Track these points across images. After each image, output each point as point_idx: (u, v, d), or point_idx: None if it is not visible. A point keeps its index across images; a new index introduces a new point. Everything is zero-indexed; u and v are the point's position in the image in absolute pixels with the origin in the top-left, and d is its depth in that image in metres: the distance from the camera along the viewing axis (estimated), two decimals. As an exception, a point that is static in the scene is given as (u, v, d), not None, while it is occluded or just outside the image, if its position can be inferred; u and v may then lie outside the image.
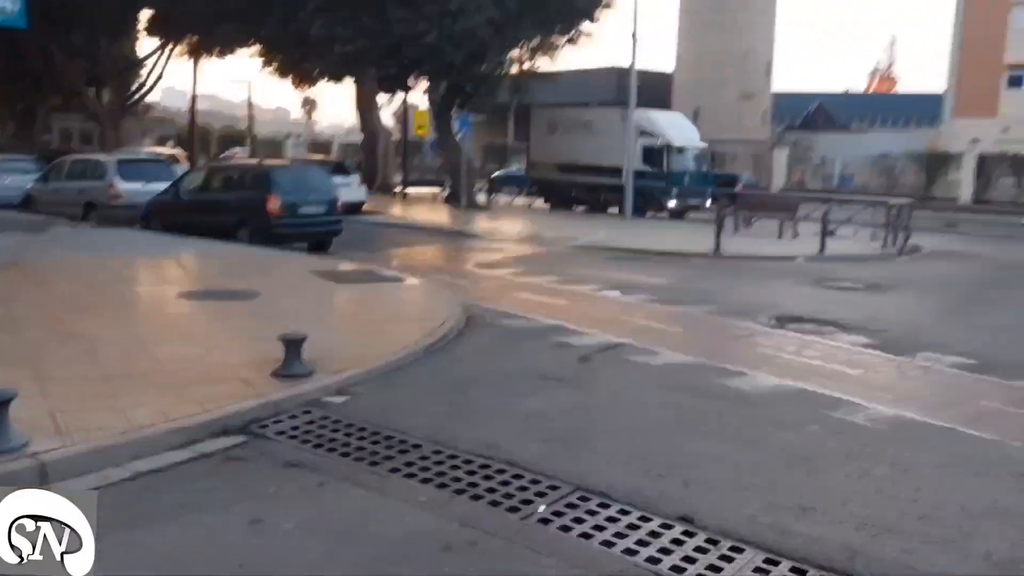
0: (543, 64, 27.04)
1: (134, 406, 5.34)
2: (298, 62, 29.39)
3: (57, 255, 11.53)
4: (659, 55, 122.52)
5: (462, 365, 7.39)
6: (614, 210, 25.46)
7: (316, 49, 25.71)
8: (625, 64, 59.67)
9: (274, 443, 5.21)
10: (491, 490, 4.53)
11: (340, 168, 23.00)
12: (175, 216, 15.82)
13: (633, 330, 9.19)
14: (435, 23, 22.24)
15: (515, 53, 25.82)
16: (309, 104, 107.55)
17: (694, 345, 8.49)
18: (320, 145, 69.74)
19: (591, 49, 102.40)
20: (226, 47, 33.83)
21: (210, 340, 7.18)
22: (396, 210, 24.78)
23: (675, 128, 26.65)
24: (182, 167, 21.54)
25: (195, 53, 37.12)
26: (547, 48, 26.14)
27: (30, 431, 4.67)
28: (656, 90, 45.49)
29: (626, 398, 6.51)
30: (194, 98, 43.72)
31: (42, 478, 4.37)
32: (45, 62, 35.01)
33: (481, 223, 21.71)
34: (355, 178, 22.90)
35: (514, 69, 26.30)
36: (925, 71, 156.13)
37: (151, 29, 34.96)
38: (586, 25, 26.72)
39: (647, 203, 24.86)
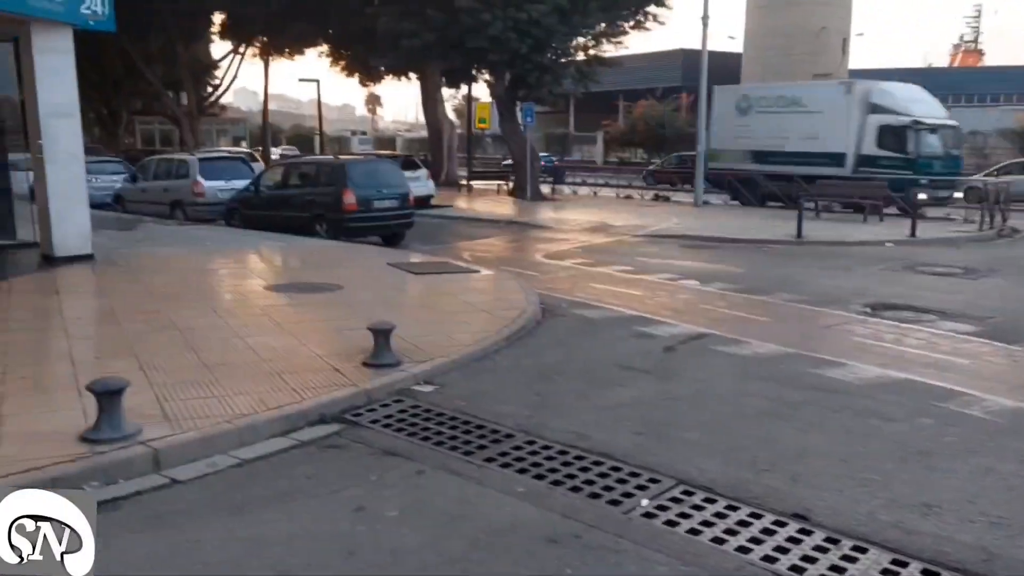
0: (608, 50, 26.73)
1: (234, 394, 5.49)
2: (364, 58, 29.78)
3: (148, 251, 11.97)
4: (724, 34, 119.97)
5: (544, 355, 7.36)
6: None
7: (382, 44, 26.01)
8: (690, 45, 58.82)
9: (369, 431, 5.29)
10: (589, 482, 4.50)
11: (409, 163, 23.21)
12: (255, 212, 16.26)
13: (716, 319, 9.03)
14: (500, 13, 22.22)
15: (580, 40, 25.59)
16: (373, 101, 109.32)
17: (784, 334, 8.27)
18: (384, 141, 70.86)
19: (655, 32, 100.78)
20: (295, 46, 34.62)
21: (300, 330, 7.33)
22: (462, 203, 24.92)
23: (919, 103, 22.42)
24: (259, 165, 22.07)
25: (266, 54, 38.13)
26: (614, 34, 25.84)
27: (141, 419, 4.85)
28: (723, 71, 44.31)
29: (717, 389, 6.39)
30: (266, 98, 45.03)
31: (155, 465, 4.53)
32: (126, 67, 36.44)
33: (547, 214, 21.66)
34: (423, 172, 23.09)
35: (579, 56, 26.06)
36: (1014, 44, 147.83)
37: (224, 33, 36.01)
38: (653, 7, 26.32)
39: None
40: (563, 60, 25.34)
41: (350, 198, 14.73)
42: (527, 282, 10.79)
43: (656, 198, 26.56)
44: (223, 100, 45.63)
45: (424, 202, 23.04)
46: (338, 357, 6.51)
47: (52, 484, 4.12)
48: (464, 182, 30.59)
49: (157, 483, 4.41)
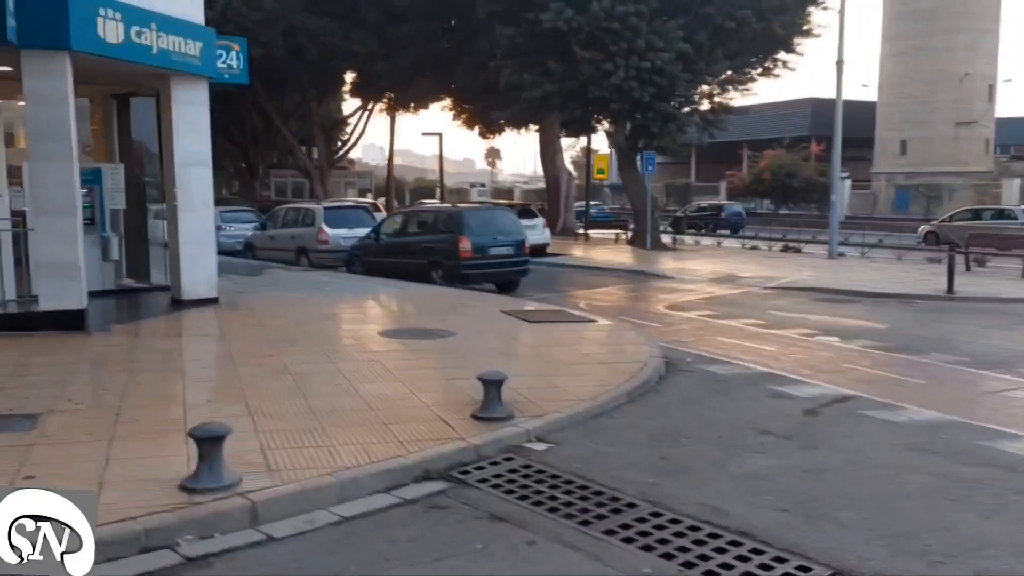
0: (734, 97, 25.97)
1: (339, 444, 5.21)
2: (486, 111, 30.29)
3: (270, 295, 12.21)
4: (856, 81, 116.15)
5: (669, 414, 6.75)
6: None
7: (504, 97, 26.36)
8: (820, 94, 56.73)
9: (477, 492, 4.86)
10: (727, 566, 3.88)
11: (526, 212, 23.15)
12: (375, 259, 16.47)
13: (862, 380, 8.12)
14: (622, 62, 22.01)
15: (704, 88, 24.99)
16: (493, 155, 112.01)
17: (943, 399, 7.30)
18: (502, 192, 72.01)
19: (782, 79, 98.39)
20: (420, 101, 35.73)
21: (410, 378, 7.06)
22: (579, 251, 24.56)
23: None
24: (381, 214, 22.61)
25: (392, 109, 39.62)
26: (740, 81, 25.09)
27: (244, 467, 4.62)
28: (856, 120, 42.32)
29: (871, 461, 5.58)
30: (391, 149, 46.62)
31: (252, 518, 4.27)
32: (264, 123, 38.77)
33: (668, 263, 20.93)
34: (540, 221, 22.95)
35: (704, 105, 25.44)
36: None
37: (354, 90, 37.72)
38: (783, 54, 25.45)
39: None
40: (687, 108, 24.78)
41: (466, 245, 14.66)
42: (648, 333, 10.21)
43: (785, 249, 25.25)
44: (351, 154, 47.87)
45: (540, 250, 22.84)
46: (447, 407, 6.16)
47: (145, 536, 3.92)
48: (581, 231, 30.28)
49: (252, 539, 4.13)
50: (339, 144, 44.23)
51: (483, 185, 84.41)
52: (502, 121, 32.70)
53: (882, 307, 13.83)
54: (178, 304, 10.40)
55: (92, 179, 10.59)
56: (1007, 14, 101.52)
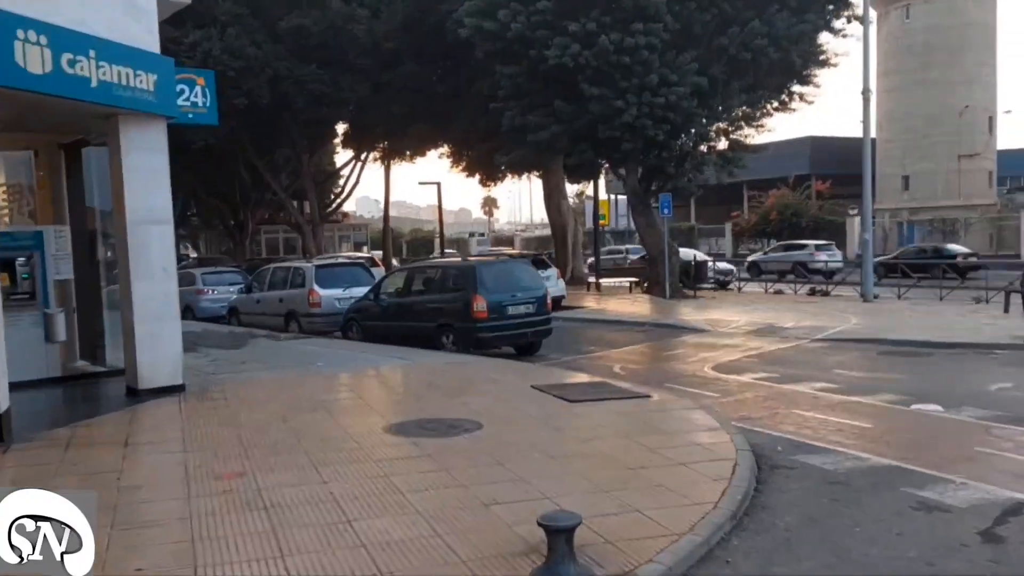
0: (749, 134, 24.40)
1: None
2: (487, 157, 28.78)
3: (250, 375, 10.23)
4: (852, 119, 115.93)
5: (799, 550, 4.81)
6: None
7: (507, 141, 24.83)
8: (817, 132, 55.29)
9: None
10: None
11: (538, 262, 21.34)
12: (375, 323, 14.63)
13: (1019, 472, 6.21)
14: (634, 99, 20.48)
15: (720, 125, 23.42)
16: (489, 204, 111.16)
17: None
18: (503, 241, 70.53)
19: (781, 118, 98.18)
20: (416, 148, 34.27)
21: (431, 507, 5.12)
22: (594, 303, 22.70)
23: None
24: (379, 271, 20.78)
25: (386, 157, 38.18)
26: (755, 117, 23.54)
27: None
28: (856, 157, 41.03)
29: None
30: (387, 199, 45.11)
31: None
32: (253, 179, 37.23)
33: (696, 314, 19.06)
34: (553, 272, 21.15)
35: (720, 143, 23.83)
36: None
37: (346, 140, 36.31)
38: (798, 87, 24.00)
39: None
40: (703, 146, 23.20)
41: (481, 304, 12.81)
42: (714, 410, 8.29)
43: (813, 292, 23.43)
44: (345, 207, 46.29)
45: (556, 304, 21.01)
46: (490, 561, 4.22)
47: None
48: (591, 279, 28.45)
49: None
50: (332, 197, 42.74)
51: (483, 234, 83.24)
52: (504, 167, 31.27)
53: (962, 361, 11.95)
54: (134, 395, 8.45)
55: (32, 244, 8.79)
56: (1003, 45, 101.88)
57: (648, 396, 8.80)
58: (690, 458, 6.34)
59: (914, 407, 8.75)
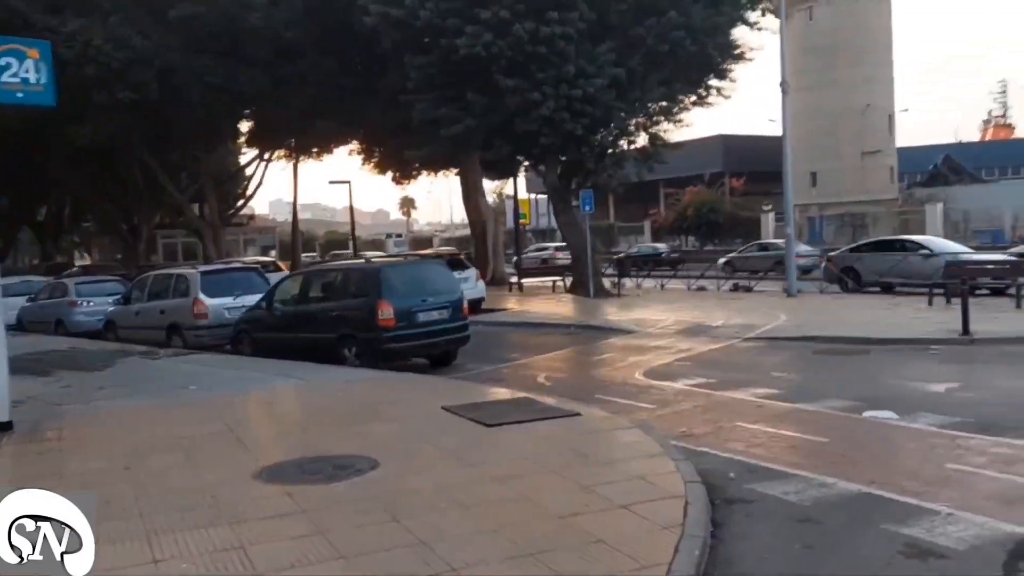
0: (668, 129, 23.76)
1: None
2: (399, 153, 27.29)
3: (103, 406, 8.58)
4: (761, 118, 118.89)
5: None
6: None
7: (419, 135, 23.47)
8: (728, 131, 56.00)
9: None
10: None
11: (455, 263, 20.07)
12: (269, 335, 13.11)
13: (1002, 496, 5.34)
14: (551, 91, 19.46)
15: (640, 120, 22.65)
16: (407, 204, 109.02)
17: None
18: (421, 242, 68.82)
19: (695, 115, 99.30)
20: (323, 145, 32.46)
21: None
22: (516, 304, 21.60)
23: None
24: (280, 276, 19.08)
25: (294, 155, 36.20)
26: (673, 113, 22.88)
27: None
28: (766, 153, 41.73)
29: None
30: (295, 202, 42.98)
31: None
32: (147, 180, 34.61)
33: (621, 313, 18.17)
34: (472, 273, 19.92)
35: (640, 138, 23.11)
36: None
37: (249, 140, 34.17)
38: (716, 81, 23.52)
39: None
40: (623, 141, 22.39)
41: (387, 311, 11.46)
42: (650, 424, 7.25)
43: (736, 288, 22.96)
44: (257, 210, 43.87)
45: (475, 306, 19.81)
46: None
47: None
48: (513, 280, 27.31)
49: None
50: (236, 199, 40.33)
51: (400, 235, 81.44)
52: (417, 164, 29.85)
53: (902, 358, 11.32)
54: (-56, 438, 6.81)
55: None
56: (900, 46, 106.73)
57: (577, 414, 7.67)
58: (632, 497, 5.21)
59: (867, 415, 7.90)
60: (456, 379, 10.94)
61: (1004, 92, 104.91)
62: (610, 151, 21.71)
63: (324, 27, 25.01)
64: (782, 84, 20.27)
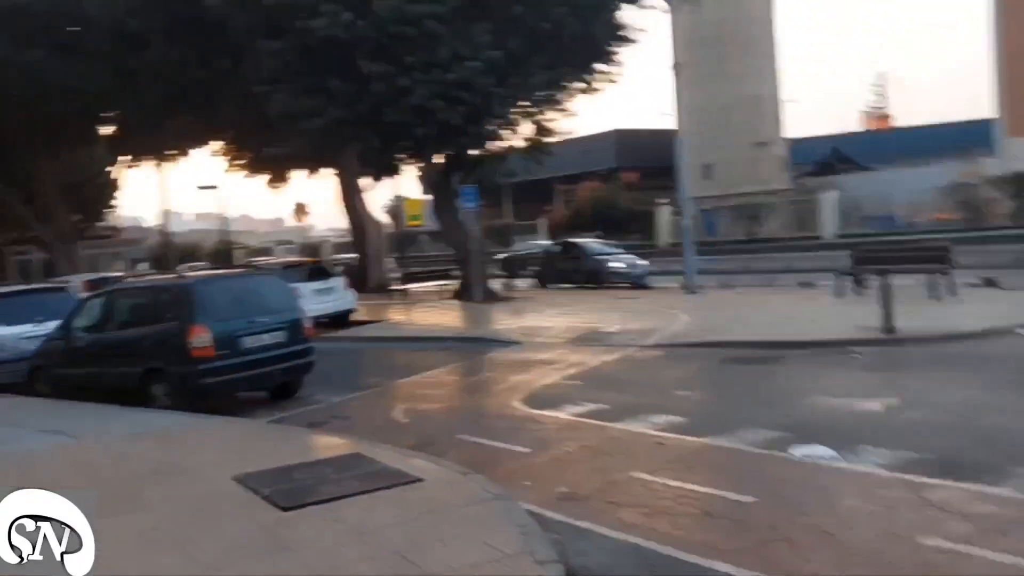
0: (554, 118, 21.97)
1: None
2: (261, 149, 24.53)
3: None
4: (652, 112, 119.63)
5: None
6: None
7: (281, 130, 20.91)
8: (623, 125, 55.43)
9: None
10: None
11: (317, 271, 17.69)
12: (67, 370, 10.48)
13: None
14: (421, 76, 17.35)
15: (523, 107, 20.76)
16: (300, 210, 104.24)
17: None
18: (310, 248, 65.29)
19: (586, 111, 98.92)
20: (178, 147, 29.20)
21: None
22: (395, 314, 19.34)
23: None
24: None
25: (137, 159, 32.70)
26: (556, 101, 21.12)
27: None
28: (660, 149, 40.88)
29: None
30: (163, 210, 39.20)
31: None
32: (-12, 191, 30.46)
33: (508, 321, 16.23)
34: (338, 281, 17.54)
35: (525, 128, 21.22)
36: (916, 105, 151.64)
37: (107, 143, 30.47)
38: (602, 66, 21.92)
39: None
40: (505, 132, 20.42)
41: (202, 338, 9.08)
42: (522, 491, 5.26)
43: (634, 287, 21.45)
44: (127, 221, 39.62)
45: (342, 320, 17.49)
46: None
47: None
48: (397, 286, 24.93)
49: None
50: (99, 208, 36.32)
51: (291, 242, 77.24)
52: (286, 162, 27.07)
53: (821, 366, 9.77)
54: None
55: None
56: (786, 37, 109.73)
57: (419, 480, 5.57)
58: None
59: (798, 453, 6.17)
60: (286, 420, 8.72)
61: (882, 84, 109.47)
62: (491, 141, 19.72)
63: (170, 14, 22.06)
64: (674, 66, 18.83)
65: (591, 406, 8.40)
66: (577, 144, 54.73)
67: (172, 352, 9.29)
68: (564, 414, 8.21)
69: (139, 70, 23.07)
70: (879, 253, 15.40)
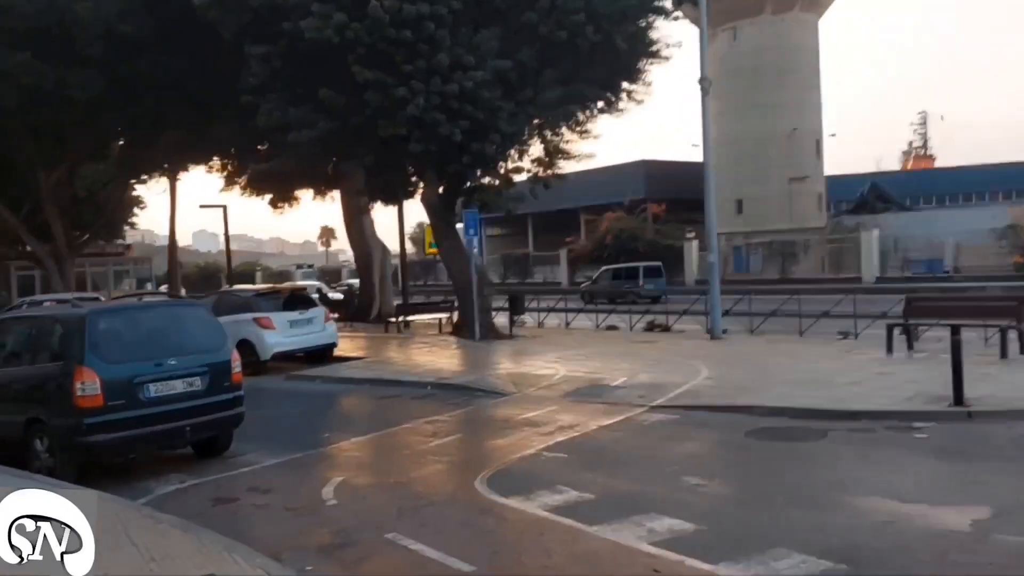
0: (572, 140, 20.11)
1: None
2: (257, 165, 22.91)
3: None
4: (682, 143, 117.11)
5: None
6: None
7: (272, 144, 19.34)
8: (650, 156, 53.18)
9: None
10: None
11: (296, 300, 15.83)
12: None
13: None
14: (420, 86, 15.60)
15: (535, 126, 18.93)
16: (327, 234, 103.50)
17: None
18: (329, 273, 63.94)
19: (605, 141, 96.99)
20: (174, 162, 27.79)
21: None
22: (383, 351, 17.42)
23: None
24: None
25: (156, 174, 31.45)
26: (577, 116, 19.26)
27: None
28: (689, 179, 38.43)
29: None
30: (172, 228, 37.77)
31: None
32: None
33: (503, 364, 14.22)
34: (318, 313, 15.64)
35: (535, 149, 19.35)
36: (962, 145, 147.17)
37: (120, 155, 29.24)
38: (627, 84, 20.08)
39: None
40: (512, 151, 18.55)
41: (89, 383, 7.22)
42: None
43: (651, 328, 19.30)
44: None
45: (321, 355, 15.61)
46: None
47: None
48: (398, 318, 23.00)
49: None
50: (101, 225, 35.06)
51: (310, 266, 76.02)
52: (286, 181, 25.44)
53: (877, 448, 7.61)
54: None
55: None
56: (827, 70, 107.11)
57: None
58: None
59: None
60: (189, 491, 6.82)
61: (924, 123, 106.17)
62: (496, 161, 17.85)
63: (166, 20, 20.67)
64: (702, 81, 16.86)
65: (571, 494, 6.37)
66: (604, 173, 53.04)
67: (53, 400, 7.45)
68: (534, 505, 6.18)
69: (131, 78, 21.68)
70: (937, 302, 13.17)
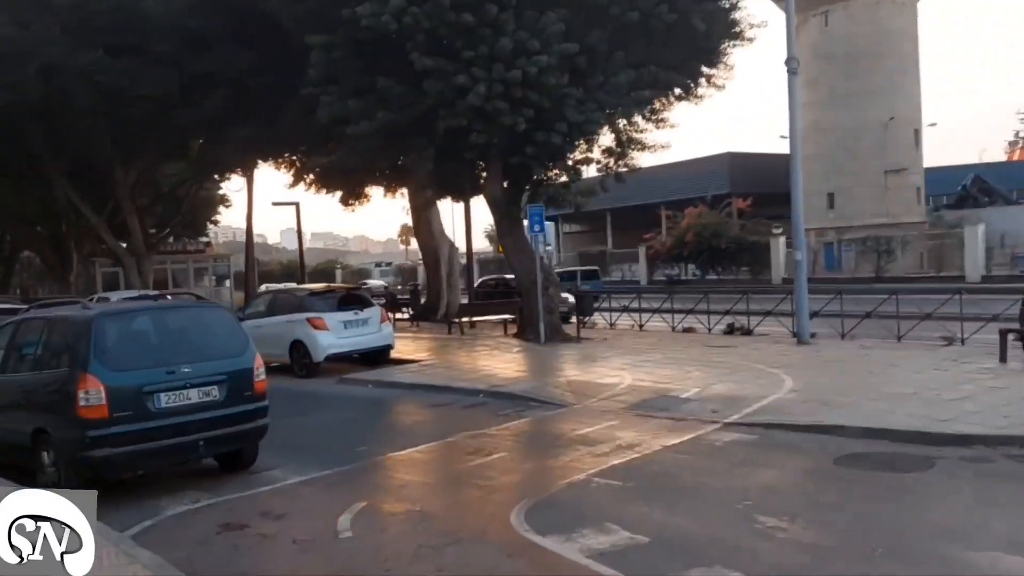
0: (647, 129, 18.87)
1: None
2: (323, 159, 22.50)
3: None
4: (771, 135, 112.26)
5: None
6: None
7: (334, 138, 18.83)
8: (735, 148, 50.81)
9: None
10: None
11: (351, 299, 15.20)
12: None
13: None
14: (482, 73, 14.71)
15: (606, 115, 17.74)
16: (406, 232, 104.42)
17: None
18: (405, 270, 64.10)
19: (688, 132, 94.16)
20: (243, 160, 27.75)
21: None
22: (445, 353, 16.63)
23: None
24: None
25: (231, 172, 31.73)
26: (652, 103, 18.00)
27: None
28: (776, 175, 36.11)
29: None
30: (249, 225, 38.10)
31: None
32: (69, 201, 30.19)
33: (566, 371, 13.18)
34: (374, 313, 14.96)
35: (606, 139, 18.20)
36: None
37: (201, 153, 29.64)
38: (706, 68, 18.71)
39: None
40: (579, 142, 17.42)
41: (93, 393, 6.60)
42: None
43: (731, 330, 17.88)
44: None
45: (377, 357, 14.95)
46: None
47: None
48: (463, 319, 22.17)
49: None
50: (174, 221, 35.77)
51: (388, 264, 76.49)
52: (354, 177, 25.03)
53: (997, 482, 6.28)
54: None
55: None
56: (925, 56, 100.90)
57: None
58: None
59: None
60: (199, 511, 6.14)
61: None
62: (563, 152, 16.78)
63: (229, 13, 20.50)
64: (788, 61, 15.37)
65: (621, 535, 5.34)
66: (686, 167, 51.13)
67: (57, 410, 6.87)
68: (574, 548, 5.18)
69: (201, 74, 21.62)
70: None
